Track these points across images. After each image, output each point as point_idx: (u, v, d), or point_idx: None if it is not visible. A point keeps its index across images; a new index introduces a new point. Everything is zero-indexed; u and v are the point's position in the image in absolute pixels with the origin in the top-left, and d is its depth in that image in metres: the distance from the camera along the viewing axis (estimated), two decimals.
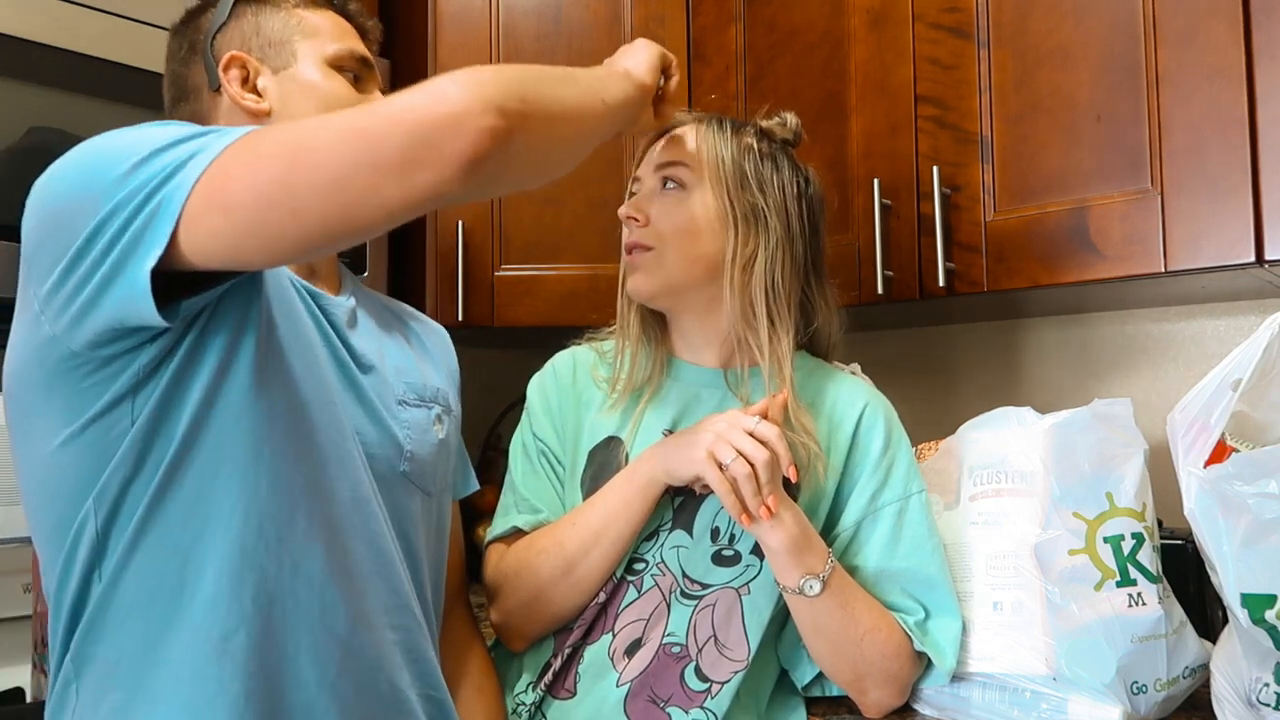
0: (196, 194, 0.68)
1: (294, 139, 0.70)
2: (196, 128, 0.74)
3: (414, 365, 1.03)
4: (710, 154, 1.08)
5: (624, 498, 1.03)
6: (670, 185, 1.08)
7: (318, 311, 0.93)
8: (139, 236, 0.69)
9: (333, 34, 0.98)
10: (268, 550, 0.81)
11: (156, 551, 0.79)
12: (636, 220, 1.08)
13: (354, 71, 0.98)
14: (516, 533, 1.11)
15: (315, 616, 0.83)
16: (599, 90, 0.86)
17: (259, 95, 0.95)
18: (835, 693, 1.09)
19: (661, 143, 1.12)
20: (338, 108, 0.93)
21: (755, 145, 1.09)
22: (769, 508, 0.96)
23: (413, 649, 0.92)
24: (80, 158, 0.75)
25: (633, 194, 1.13)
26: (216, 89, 0.95)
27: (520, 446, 1.16)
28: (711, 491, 0.98)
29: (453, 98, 0.67)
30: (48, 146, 1.19)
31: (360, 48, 1.00)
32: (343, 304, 0.97)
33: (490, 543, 1.13)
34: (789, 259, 1.07)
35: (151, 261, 0.68)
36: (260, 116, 0.94)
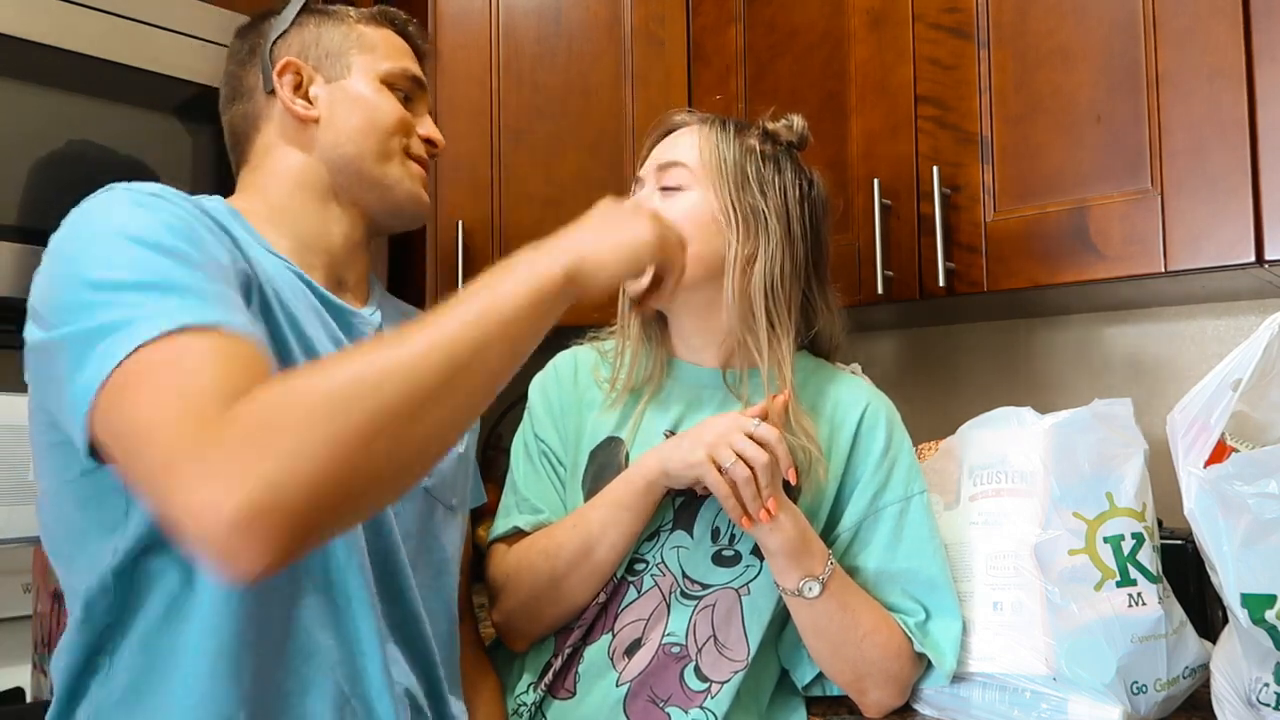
0: (102, 394, 0.67)
1: (149, 407, 0.64)
2: (149, 264, 0.72)
3: None
4: (711, 155, 1.08)
5: (624, 501, 1.03)
6: (671, 185, 1.08)
7: (340, 334, 0.93)
8: (72, 392, 0.69)
9: (388, 52, 0.99)
10: (260, 635, 0.80)
11: (157, 635, 0.78)
12: None
13: (405, 91, 0.99)
14: (518, 533, 1.11)
15: (318, 692, 0.82)
16: (483, 339, 0.70)
17: (309, 102, 0.96)
18: (835, 693, 1.09)
19: (664, 143, 1.12)
20: (383, 123, 0.96)
21: (758, 147, 1.09)
22: (769, 510, 0.96)
23: (434, 696, 0.92)
24: (65, 246, 0.76)
25: (634, 194, 1.12)
26: (270, 91, 0.96)
27: (521, 446, 1.16)
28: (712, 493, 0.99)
29: (213, 514, 0.59)
30: (46, 149, 1.19)
31: (414, 68, 1.01)
32: (368, 319, 0.97)
33: (492, 543, 1.13)
34: (789, 261, 1.07)
35: (80, 420, 0.68)
36: (308, 123, 0.95)
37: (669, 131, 1.13)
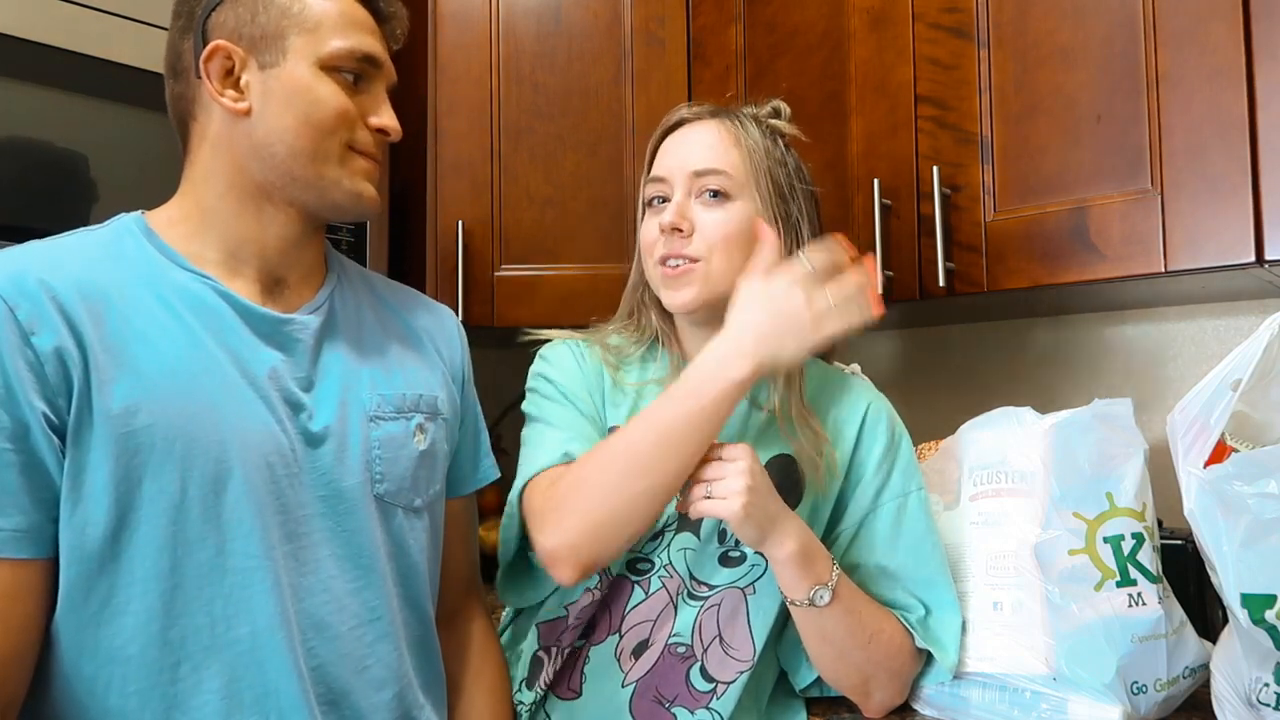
0: None
1: None
2: None
3: (395, 372, 0.97)
4: (754, 161, 1.05)
5: (700, 404, 0.93)
6: (714, 194, 1.05)
7: (265, 345, 0.88)
8: None
9: (336, 27, 0.89)
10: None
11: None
12: (681, 230, 1.04)
13: (355, 72, 0.90)
14: (567, 459, 1.01)
15: None
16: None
17: (239, 92, 0.87)
18: (834, 693, 1.09)
19: (677, 143, 1.08)
20: (319, 120, 0.88)
21: (781, 149, 1.08)
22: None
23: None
24: None
25: (657, 199, 1.08)
26: (200, 75, 0.87)
27: (540, 399, 1.08)
28: None
29: None
30: (44, 149, 1.19)
31: (366, 44, 0.90)
32: (307, 326, 0.92)
33: (534, 477, 1.02)
34: None
35: None
36: (239, 116, 0.87)
37: (677, 125, 1.09)
